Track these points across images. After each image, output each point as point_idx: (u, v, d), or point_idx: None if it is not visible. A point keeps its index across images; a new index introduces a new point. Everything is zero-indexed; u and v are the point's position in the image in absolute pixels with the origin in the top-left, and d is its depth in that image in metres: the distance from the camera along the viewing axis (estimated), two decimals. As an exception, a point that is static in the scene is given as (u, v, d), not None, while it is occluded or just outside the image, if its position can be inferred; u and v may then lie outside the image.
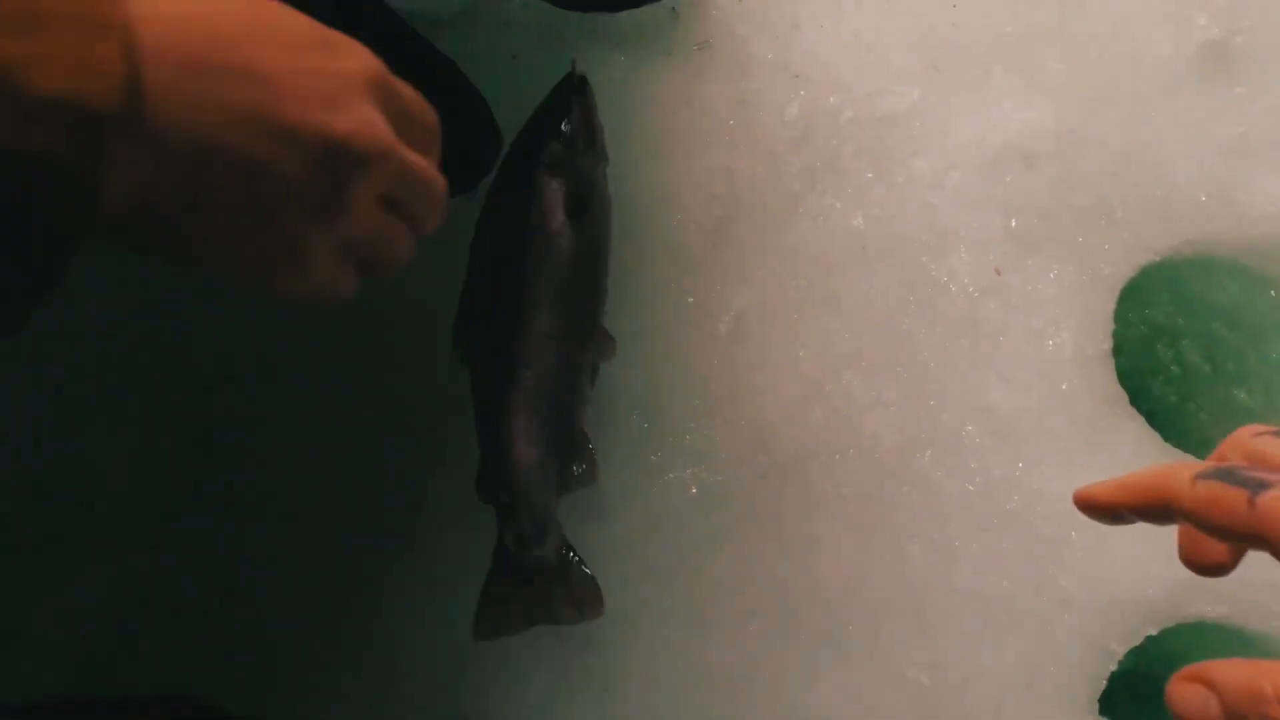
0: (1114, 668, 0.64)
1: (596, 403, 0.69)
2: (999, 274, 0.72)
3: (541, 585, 0.60)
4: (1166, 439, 0.69)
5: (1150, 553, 0.64)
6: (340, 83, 0.29)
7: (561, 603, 0.61)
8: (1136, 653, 0.64)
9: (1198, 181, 0.74)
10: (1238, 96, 0.76)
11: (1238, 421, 0.76)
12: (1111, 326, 0.71)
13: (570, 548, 0.61)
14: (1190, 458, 0.68)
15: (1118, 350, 0.71)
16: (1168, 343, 0.80)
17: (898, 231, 0.74)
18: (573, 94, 0.65)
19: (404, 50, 0.68)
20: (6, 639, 0.67)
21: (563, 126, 0.63)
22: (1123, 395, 0.70)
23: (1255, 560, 0.29)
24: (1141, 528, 0.32)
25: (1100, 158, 0.75)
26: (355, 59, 0.30)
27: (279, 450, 0.72)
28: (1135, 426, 0.69)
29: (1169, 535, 0.31)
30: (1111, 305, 0.71)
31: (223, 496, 0.72)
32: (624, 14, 0.75)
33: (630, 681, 0.63)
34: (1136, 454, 0.67)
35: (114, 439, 0.74)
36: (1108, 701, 0.63)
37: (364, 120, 0.29)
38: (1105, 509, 0.31)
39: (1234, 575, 0.30)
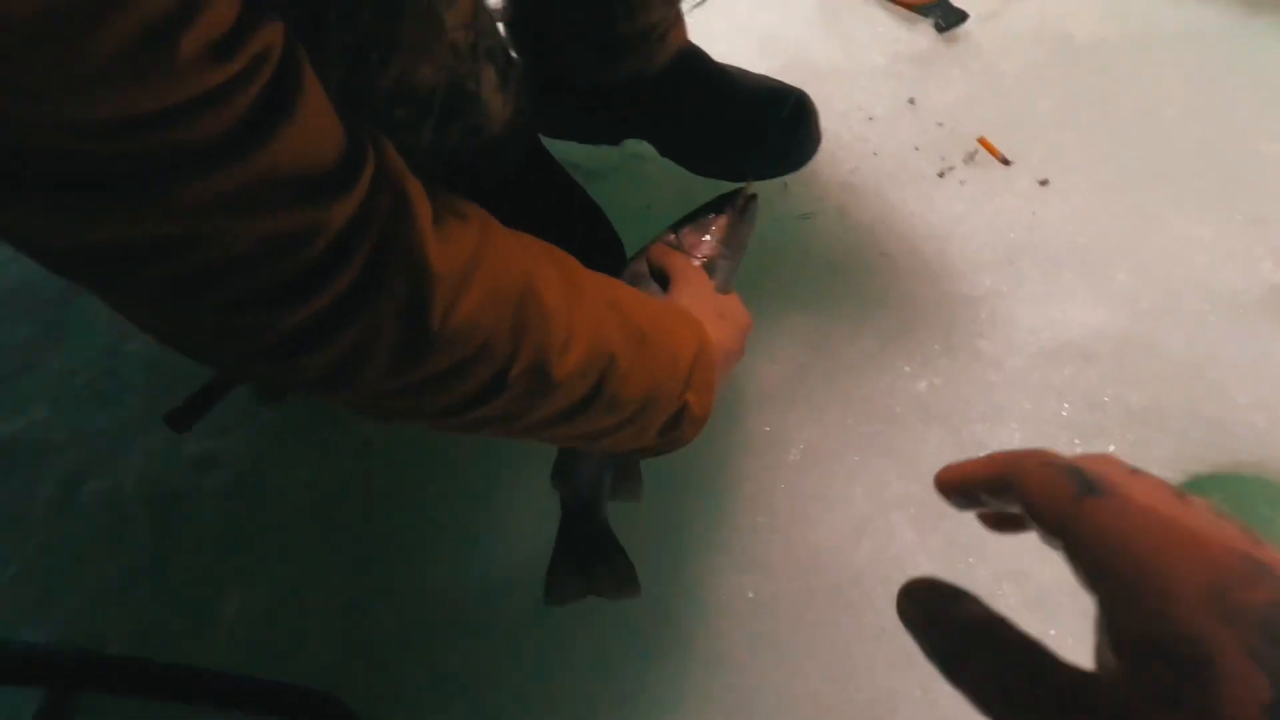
0: None
1: (672, 507, 0.79)
2: (1048, 452, 0.79)
3: (592, 561, 0.69)
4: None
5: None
6: (745, 330, 0.68)
7: (605, 577, 0.68)
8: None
9: (1255, 407, 0.78)
10: (1301, 339, 0.80)
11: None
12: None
13: (614, 537, 0.69)
14: None
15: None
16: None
17: (957, 399, 0.82)
18: (729, 208, 0.74)
19: (558, 193, 0.83)
20: (199, 625, 0.78)
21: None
22: (1157, 585, 0.73)
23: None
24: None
25: (1159, 367, 0.81)
26: (745, 315, 0.69)
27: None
28: (1166, 615, 0.72)
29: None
30: (1155, 508, 0.76)
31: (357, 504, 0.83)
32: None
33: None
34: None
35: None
36: None
37: None
38: (960, 482, 0.31)
39: None
